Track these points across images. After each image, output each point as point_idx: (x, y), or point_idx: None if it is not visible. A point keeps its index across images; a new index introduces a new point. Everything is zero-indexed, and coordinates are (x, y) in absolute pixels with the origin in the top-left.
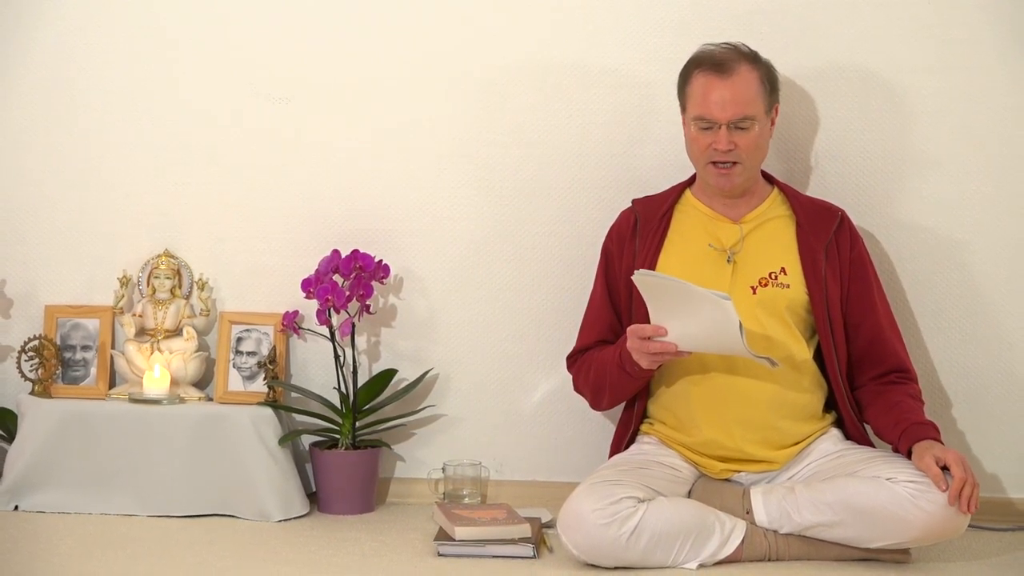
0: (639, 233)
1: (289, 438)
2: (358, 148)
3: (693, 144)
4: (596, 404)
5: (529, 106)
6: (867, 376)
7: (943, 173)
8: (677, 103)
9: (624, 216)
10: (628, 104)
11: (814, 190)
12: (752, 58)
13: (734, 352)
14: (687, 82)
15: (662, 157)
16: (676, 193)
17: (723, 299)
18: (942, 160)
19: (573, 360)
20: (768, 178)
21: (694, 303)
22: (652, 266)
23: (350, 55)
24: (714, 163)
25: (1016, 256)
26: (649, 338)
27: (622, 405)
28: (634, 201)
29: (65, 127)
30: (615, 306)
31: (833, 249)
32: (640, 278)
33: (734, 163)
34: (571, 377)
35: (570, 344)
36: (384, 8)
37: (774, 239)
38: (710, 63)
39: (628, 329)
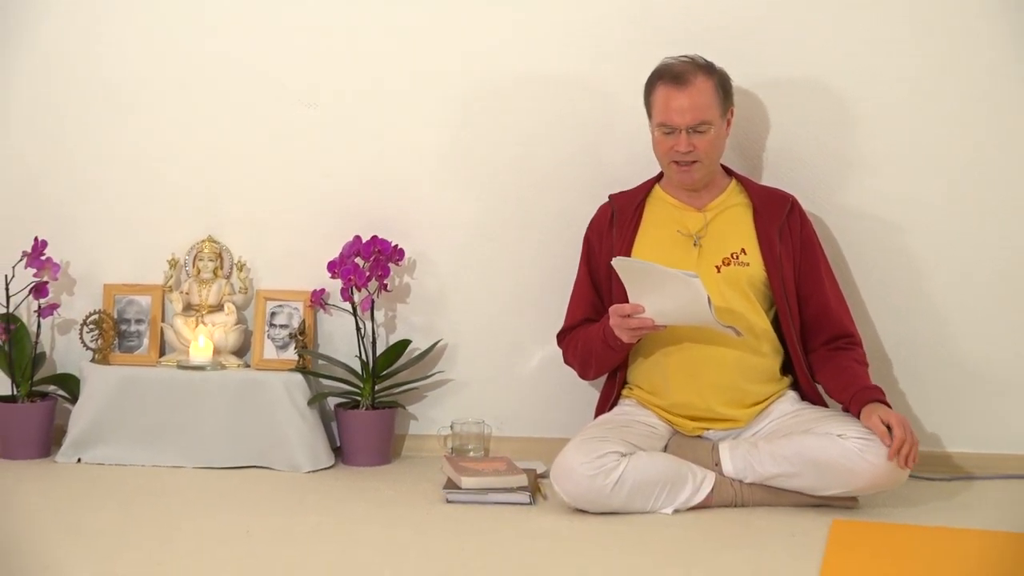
0: (616, 223)
1: (317, 399)
2: (377, 147)
3: (658, 146)
4: (584, 374)
5: (524, 111)
6: (818, 341)
7: (881, 167)
8: (641, 109)
9: (602, 209)
10: (602, 110)
11: (768, 180)
12: (707, 69)
13: (704, 323)
14: (651, 93)
15: (631, 155)
16: (647, 188)
17: (692, 277)
18: (880, 155)
19: (562, 337)
20: (727, 171)
21: (667, 283)
22: (628, 252)
23: (370, 67)
24: (676, 162)
25: (947, 239)
26: (629, 315)
27: (606, 374)
28: (611, 196)
29: (121, 128)
30: (597, 288)
31: (786, 231)
32: (619, 263)
33: (693, 162)
34: (561, 351)
35: (560, 317)
36: (400, 27)
37: (734, 224)
38: (669, 75)
39: (610, 308)
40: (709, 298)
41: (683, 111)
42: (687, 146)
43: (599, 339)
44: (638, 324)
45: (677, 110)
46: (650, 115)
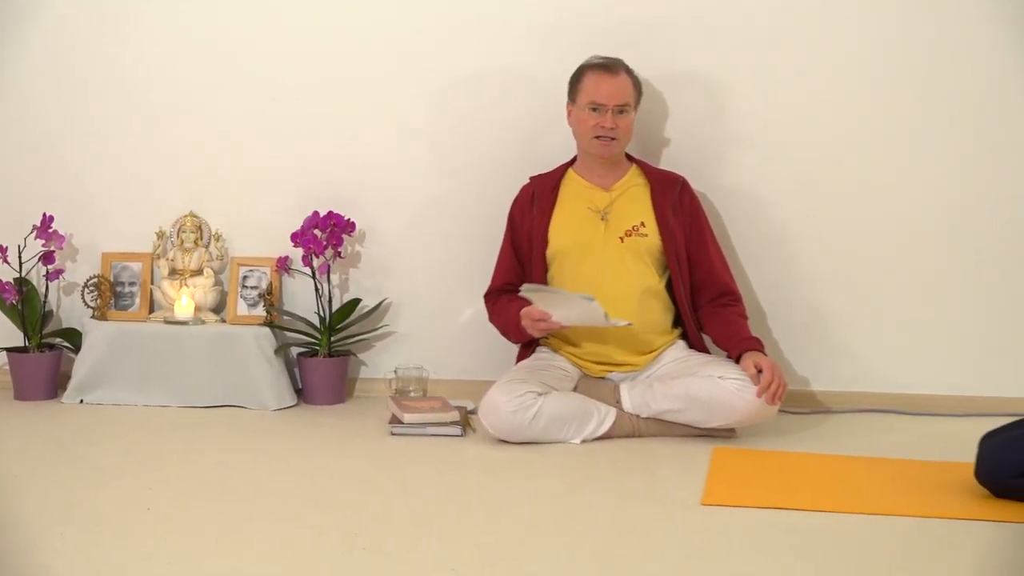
0: (536, 201)
1: (282, 349)
2: (334, 136)
3: (584, 124)
4: (505, 338)
5: (465, 103)
6: (705, 299)
7: (757, 150)
8: (559, 99)
9: (524, 190)
10: (531, 105)
11: (665, 164)
12: (627, 67)
13: (599, 325)
14: (580, 78)
15: (549, 142)
16: (562, 171)
17: (589, 300)
18: (755, 141)
19: (488, 297)
20: (629, 157)
21: (569, 301)
22: (546, 226)
23: (330, 67)
24: (599, 137)
25: (811, 211)
26: (538, 320)
27: None
28: (531, 178)
29: (117, 119)
30: (518, 256)
31: (678, 206)
32: (527, 290)
33: (613, 139)
34: (487, 310)
35: (486, 281)
36: (353, 27)
37: (635, 202)
38: (601, 65)
39: (521, 313)
40: (606, 313)
41: (612, 94)
42: (612, 123)
43: (514, 325)
44: (546, 326)
45: (607, 92)
46: (575, 99)
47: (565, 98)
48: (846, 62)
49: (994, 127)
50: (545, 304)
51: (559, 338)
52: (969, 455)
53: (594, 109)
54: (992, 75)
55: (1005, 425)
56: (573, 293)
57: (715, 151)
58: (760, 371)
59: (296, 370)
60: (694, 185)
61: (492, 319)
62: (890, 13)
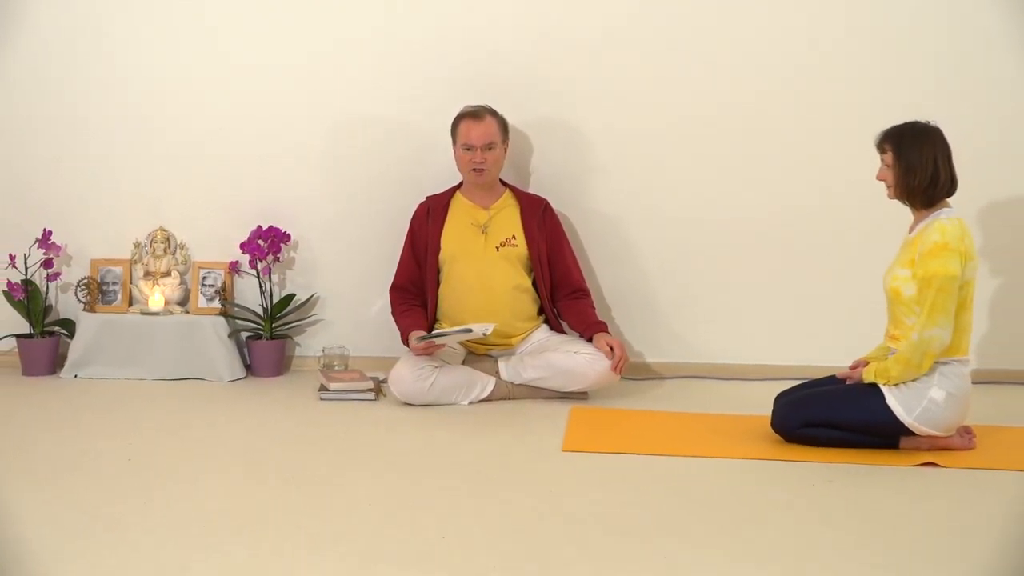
0: (431, 216)
1: (234, 334)
2: (275, 163)
3: (461, 160)
4: None
5: (373, 140)
6: (562, 294)
7: (609, 177)
8: (449, 142)
9: (421, 206)
10: (425, 140)
11: (533, 188)
12: (492, 111)
13: (470, 339)
14: (457, 126)
15: (440, 168)
16: (451, 193)
17: (466, 331)
18: (608, 168)
19: (392, 291)
20: (503, 183)
21: (450, 339)
22: (439, 237)
23: (268, 104)
24: (474, 169)
25: (644, 226)
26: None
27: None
28: (427, 197)
29: (102, 153)
30: (416, 259)
31: (542, 223)
32: (416, 337)
33: (483, 169)
34: (390, 302)
35: (391, 277)
36: (280, 66)
37: (508, 220)
38: (471, 113)
39: (410, 334)
40: (485, 332)
41: (479, 136)
42: (481, 158)
43: (404, 336)
44: (426, 346)
45: (476, 135)
46: (455, 140)
47: (439, 138)
48: (679, 119)
49: (795, 139)
50: (432, 335)
51: (449, 324)
52: (766, 410)
53: (468, 149)
54: (790, 83)
55: (793, 387)
56: (451, 330)
57: (573, 179)
58: (612, 348)
59: (245, 350)
60: (556, 206)
61: (392, 312)
62: (722, 73)
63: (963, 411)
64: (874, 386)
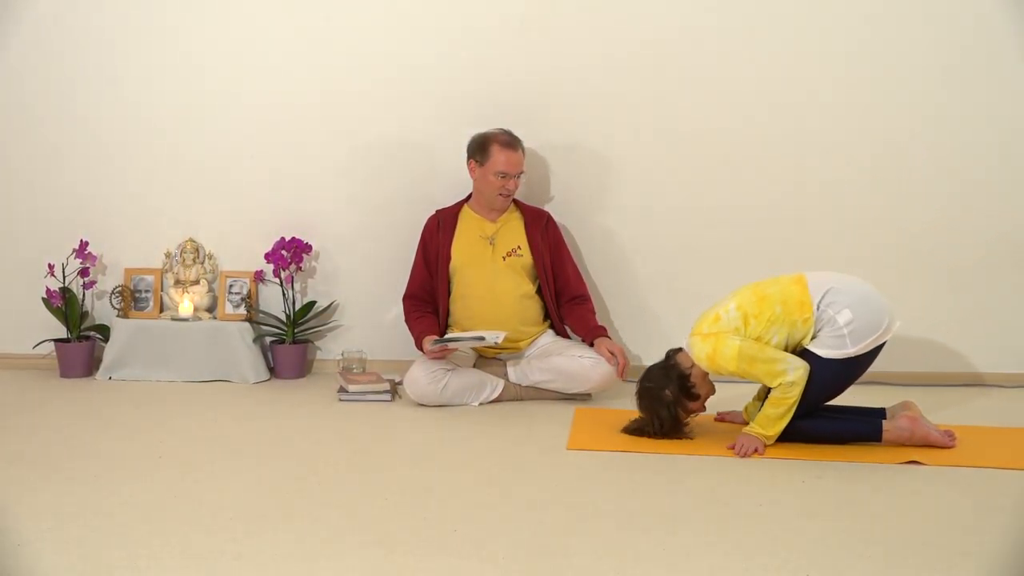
0: (441, 229)
1: (258, 338)
2: (297, 178)
3: (490, 185)
4: None
5: (390, 158)
6: (564, 300)
7: (601, 195)
8: (456, 157)
9: (432, 219)
10: (437, 160)
11: (537, 202)
12: (520, 142)
13: (480, 345)
14: (489, 149)
15: (453, 187)
16: (460, 206)
17: (479, 338)
18: (602, 188)
19: (405, 299)
20: None
21: (463, 343)
22: (449, 249)
23: (298, 127)
24: (501, 195)
25: (639, 237)
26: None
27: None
28: (437, 211)
29: (137, 168)
30: (428, 268)
31: (544, 234)
32: (430, 342)
33: (511, 195)
34: (403, 310)
35: (404, 286)
36: (306, 92)
37: (514, 230)
38: (508, 142)
39: (424, 339)
40: (497, 340)
41: (515, 164)
42: (515, 185)
43: (418, 341)
44: (439, 350)
45: (514, 164)
46: (484, 163)
47: (450, 156)
48: (675, 136)
49: (792, 155)
50: (447, 338)
51: (461, 328)
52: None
53: (502, 176)
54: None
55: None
56: (464, 335)
57: (574, 194)
58: (613, 354)
59: (269, 353)
60: (558, 218)
61: (406, 319)
62: (721, 94)
63: (874, 308)
64: (813, 361)
